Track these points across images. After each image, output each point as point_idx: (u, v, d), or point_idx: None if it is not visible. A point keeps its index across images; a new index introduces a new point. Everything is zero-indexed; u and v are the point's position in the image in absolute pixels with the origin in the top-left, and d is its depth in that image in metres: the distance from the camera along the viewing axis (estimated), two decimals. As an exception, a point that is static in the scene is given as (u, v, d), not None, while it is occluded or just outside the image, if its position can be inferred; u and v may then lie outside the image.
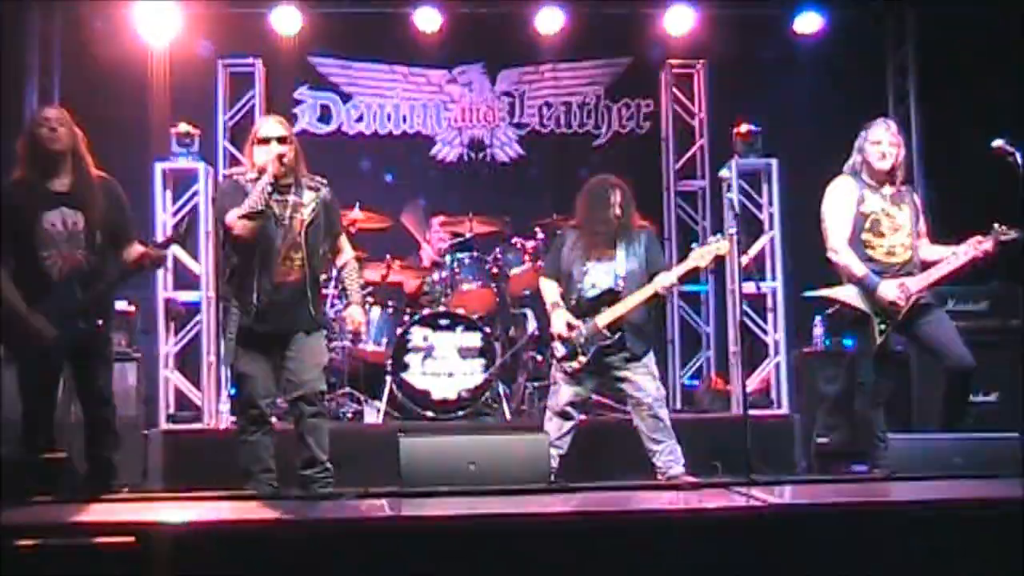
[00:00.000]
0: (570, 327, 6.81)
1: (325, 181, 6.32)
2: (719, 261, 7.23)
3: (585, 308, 6.84)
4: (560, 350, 6.86)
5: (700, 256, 6.85)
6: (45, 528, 4.24)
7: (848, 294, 6.74)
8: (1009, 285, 7.83)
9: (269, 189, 5.93)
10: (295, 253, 6.07)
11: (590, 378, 6.91)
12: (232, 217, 5.94)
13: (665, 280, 6.76)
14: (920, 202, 6.98)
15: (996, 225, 6.63)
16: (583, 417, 7.07)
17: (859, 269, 6.65)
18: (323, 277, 6.26)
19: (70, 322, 5.98)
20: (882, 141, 6.77)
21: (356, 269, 6.65)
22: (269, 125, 6.19)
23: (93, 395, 6.22)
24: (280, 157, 5.99)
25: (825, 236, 6.80)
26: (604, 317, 6.78)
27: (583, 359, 6.80)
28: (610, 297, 6.82)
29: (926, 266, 6.78)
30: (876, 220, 6.73)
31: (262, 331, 6.05)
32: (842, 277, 6.79)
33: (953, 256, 6.71)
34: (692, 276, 7.23)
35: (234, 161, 9.69)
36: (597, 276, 6.88)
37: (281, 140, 6.07)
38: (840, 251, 6.72)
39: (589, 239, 6.92)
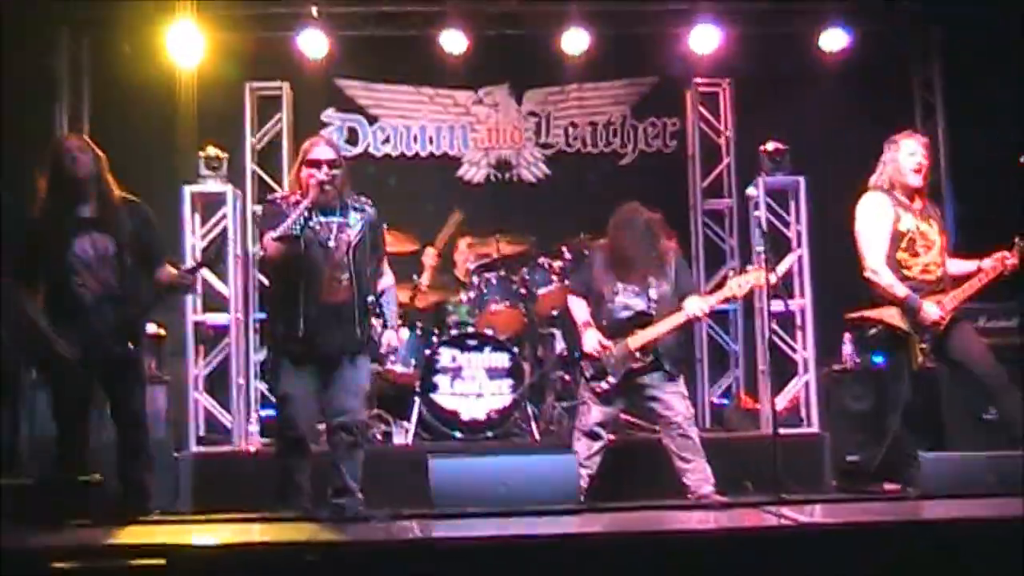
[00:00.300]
0: (602, 347, 6.81)
1: (371, 202, 6.34)
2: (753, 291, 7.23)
3: (616, 329, 6.85)
4: (590, 370, 6.86)
5: (737, 286, 6.86)
6: (78, 550, 4.25)
7: (890, 314, 6.69)
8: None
9: (307, 214, 5.95)
10: (341, 274, 6.08)
11: (619, 398, 6.92)
12: (267, 239, 5.97)
13: (697, 308, 6.77)
14: (942, 216, 6.93)
15: (1019, 238, 6.59)
16: (612, 437, 7.06)
17: (901, 291, 6.61)
18: (371, 298, 6.26)
19: (104, 345, 6.01)
20: (916, 154, 6.73)
21: (395, 294, 6.68)
22: (320, 148, 6.21)
23: (127, 416, 6.26)
24: (322, 183, 6.01)
25: (861, 255, 6.76)
26: (636, 340, 6.78)
27: (613, 380, 6.80)
28: (642, 320, 6.82)
29: (954, 281, 6.75)
30: (912, 239, 6.69)
31: (308, 352, 6.06)
32: (876, 296, 6.74)
33: (982, 272, 6.67)
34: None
35: (262, 184, 9.75)
36: (629, 298, 6.89)
37: (331, 164, 6.11)
38: (880, 272, 6.66)
39: (619, 261, 6.93)
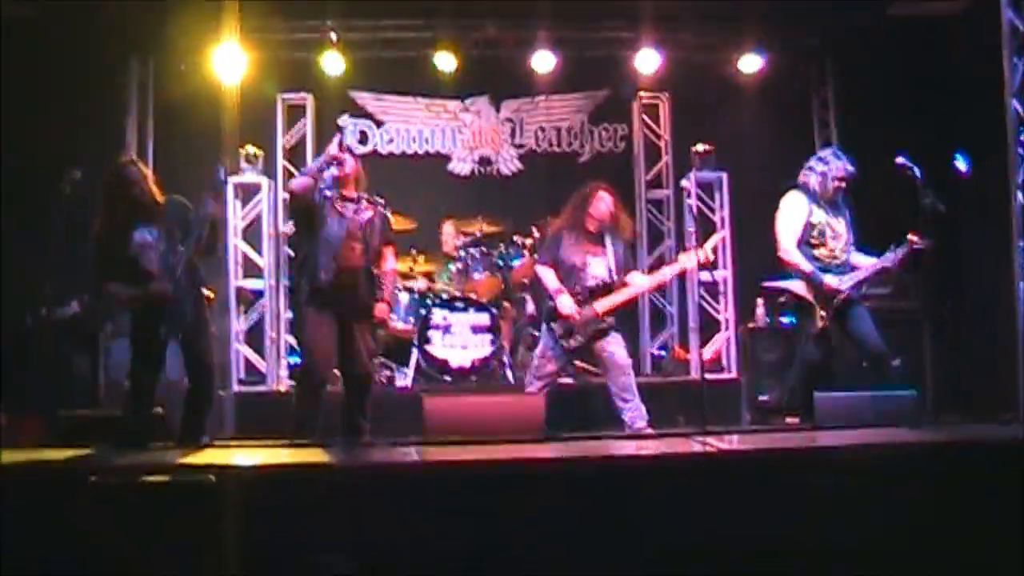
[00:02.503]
0: (577, 311, 6.80)
1: (383, 201, 6.44)
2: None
3: (584, 295, 6.85)
4: (560, 329, 6.84)
5: (687, 259, 7.05)
6: (150, 468, 4.29)
7: (797, 285, 6.73)
8: (907, 275, 7.80)
9: (328, 159, 6.24)
10: (356, 244, 6.21)
11: (574, 352, 6.93)
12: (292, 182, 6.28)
13: (647, 285, 7.19)
14: (850, 213, 6.89)
15: (910, 236, 6.54)
16: (570, 381, 7.06)
17: (807, 267, 6.62)
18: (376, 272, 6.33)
19: (177, 306, 6.02)
20: (843, 177, 6.73)
21: (393, 278, 6.70)
22: (334, 144, 6.40)
23: (198, 367, 6.25)
24: (340, 144, 6.30)
25: (777, 240, 6.75)
26: (603, 304, 6.80)
27: (580, 339, 6.80)
28: (605, 287, 6.85)
29: (854, 268, 6.74)
30: (821, 230, 6.69)
31: (328, 306, 6.12)
32: (790, 271, 6.72)
33: (879, 262, 6.64)
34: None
35: (290, 176, 9.74)
36: (596, 268, 6.89)
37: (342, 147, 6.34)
38: (791, 252, 6.66)
39: (582, 236, 6.93)
